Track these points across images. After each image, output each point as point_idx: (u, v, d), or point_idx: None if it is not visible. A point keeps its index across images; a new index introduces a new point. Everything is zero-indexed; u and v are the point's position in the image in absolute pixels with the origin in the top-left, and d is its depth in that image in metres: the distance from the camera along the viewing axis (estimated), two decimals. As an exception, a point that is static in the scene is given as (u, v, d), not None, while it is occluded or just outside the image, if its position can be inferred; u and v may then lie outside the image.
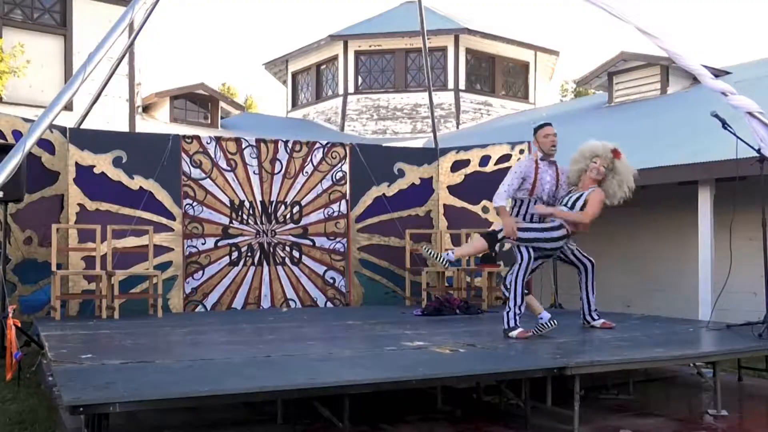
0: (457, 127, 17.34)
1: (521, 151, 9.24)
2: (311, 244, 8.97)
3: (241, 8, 57.88)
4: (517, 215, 5.72)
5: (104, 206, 8.04)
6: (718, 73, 10.14)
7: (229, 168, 8.69)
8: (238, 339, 5.82)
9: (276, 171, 8.89)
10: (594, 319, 6.05)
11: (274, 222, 8.84)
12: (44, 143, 7.75)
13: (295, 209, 8.95)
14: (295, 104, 19.93)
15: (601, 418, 4.66)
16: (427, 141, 14.86)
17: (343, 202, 9.13)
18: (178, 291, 8.29)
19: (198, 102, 15.87)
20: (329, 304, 8.92)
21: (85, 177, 7.99)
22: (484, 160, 9.52)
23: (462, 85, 17.66)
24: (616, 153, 5.75)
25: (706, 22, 51.37)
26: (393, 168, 9.41)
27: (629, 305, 9.90)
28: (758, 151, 5.75)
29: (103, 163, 8.09)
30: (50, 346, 5.01)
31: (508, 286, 5.50)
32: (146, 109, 15.45)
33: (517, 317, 5.50)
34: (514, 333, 5.44)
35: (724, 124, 5.90)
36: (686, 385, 5.93)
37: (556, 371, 4.22)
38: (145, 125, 13.64)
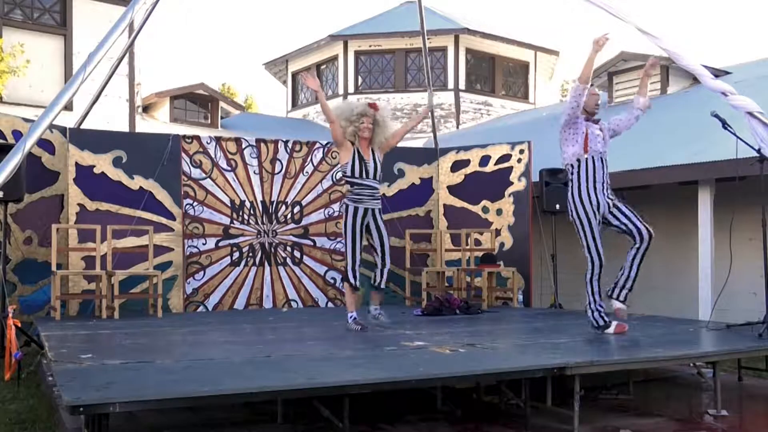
0: (457, 127, 17.33)
1: (521, 151, 9.24)
2: (312, 244, 8.97)
3: (241, 8, 57.89)
4: (578, 179, 5.60)
5: (104, 206, 8.04)
6: (718, 73, 10.13)
7: (229, 168, 8.69)
8: (238, 339, 5.82)
9: (276, 171, 8.90)
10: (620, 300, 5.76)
11: (275, 222, 8.85)
12: (44, 143, 7.76)
13: (296, 209, 8.95)
14: (295, 104, 19.93)
15: (601, 418, 4.65)
16: (427, 141, 14.85)
17: (344, 202, 9.12)
18: (178, 291, 8.29)
19: (198, 102, 15.88)
20: (330, 305, 8.92)
21: (85, 177, 8.00)
22: (484, 160, 9.52)
23: (462, 85, 17.65)
24: (374, 107, 6.28)
25: (706, 22, 51.38)
26: (393, 168, 9.40)
27: (629, 305, 9.88)
28: (758, 151, 5.75)
29: (103, 163, 8.09)
30: (50, 346, 5.00)
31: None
32: (146, 109, 15.45)
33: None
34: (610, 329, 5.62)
35: (724, 124, 5.90)
36: (686, 385, 5.93)
37: (555, 371, 4.22)
38: (145, 125, 13.64)
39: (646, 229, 5.59)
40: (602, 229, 5.64)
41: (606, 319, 5.68)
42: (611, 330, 5.61)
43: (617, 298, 5.72)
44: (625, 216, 5.63)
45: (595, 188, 5.57)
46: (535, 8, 53.99)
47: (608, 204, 5.62)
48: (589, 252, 5.59)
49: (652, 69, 5.99)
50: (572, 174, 5.67)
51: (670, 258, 10.07)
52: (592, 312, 5.68)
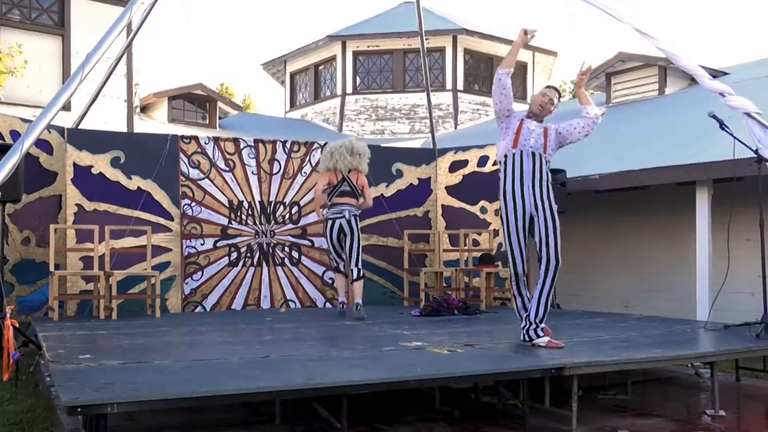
0: (456, 128, 17.34)
1: (519, 152, 9.24)
2: (310, 244, 8.96)
3: (239, 8, 57.88)
4: (504, 175, 5.08)
5: (102, 206, 8.03)
6: (715, 74, 10.16)
7: (227, 168, 8.68)
8: (237, 339, 5.81)
9: (274, 171, 8.89)
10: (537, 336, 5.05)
11: (273, 222, 8.84)
12: (42, 143, 7.75)
13: (294, 209, 8.94)
14: (293, 104, 19.92)
15: (599, 418, 4.66)
16: (425, 141, 14.87)
17: (342, 202, 9.11)
18: (177, 291, 8.28)
19: (196, 102, 15.87)
20: (328, 305, 8.91)
21: (83, 177, 7.99)
22: (483, 161, 9.53)
23: (460, 86, 17.66)
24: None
25: (705, 23, 51.45)
26: (391, 168, 9.41)
27: (627, 306, 9.91)
28: (756, 151, 5.77)
29: (101, 164, 8.08)
30: (48, 346, 5.00)
31: None
32: (144, 109, 15.44)
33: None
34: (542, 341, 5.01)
35: (722, 125, 5.91)
36: (684, 385, 5.94)
37: (554, 371, 4.22)
38: (143, 125, 13.63)
39: (555, 257, 4.97)
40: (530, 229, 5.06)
41: (532, 334, 5.07)
42: (543, 342, 5.00)
43: (537, 337, 5.03)
44: (545, 232, 5.00)
45: (522, 185, 5.02)
46: (534, 8, 54.04)
47: (536, 205, 5.02)
48: (507, 255, 5.12)
49: (585, 77, 5.30)
50: (500, 171, 5.15)
51: (668, 258, 10.08)
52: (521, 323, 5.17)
